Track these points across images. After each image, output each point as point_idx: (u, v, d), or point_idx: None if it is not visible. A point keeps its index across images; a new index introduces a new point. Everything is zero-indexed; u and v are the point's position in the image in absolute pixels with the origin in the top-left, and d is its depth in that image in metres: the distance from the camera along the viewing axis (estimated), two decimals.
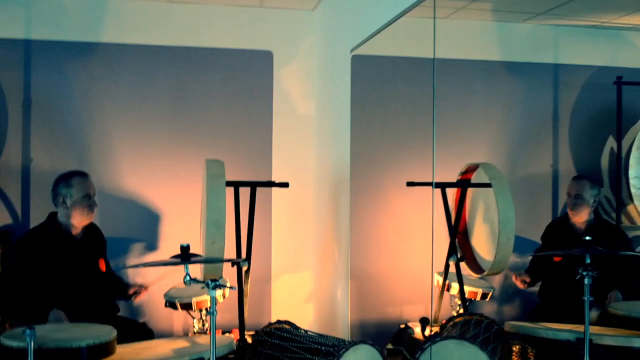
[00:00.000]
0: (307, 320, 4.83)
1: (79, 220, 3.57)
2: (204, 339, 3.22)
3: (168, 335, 4.46)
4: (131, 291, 3.91)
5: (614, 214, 5.14)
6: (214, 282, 2.66)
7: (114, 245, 4.32)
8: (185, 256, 2.77)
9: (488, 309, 5.01)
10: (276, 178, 4.78)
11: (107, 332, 2.87)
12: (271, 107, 4.80)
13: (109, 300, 3.74)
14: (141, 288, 3.96)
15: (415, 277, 4.79)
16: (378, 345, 4.30)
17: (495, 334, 3.23)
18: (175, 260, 2.76)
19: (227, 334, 3.86)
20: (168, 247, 4.61)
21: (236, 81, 4.76)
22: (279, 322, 3.28)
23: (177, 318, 4.63)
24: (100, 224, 4.50)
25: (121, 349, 3.03)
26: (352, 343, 2.92)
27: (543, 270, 4.22)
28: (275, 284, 4.83)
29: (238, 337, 3.66)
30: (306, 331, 3.26)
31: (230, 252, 3.80)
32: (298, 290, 4.86)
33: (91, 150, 4.54)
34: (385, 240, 4.91)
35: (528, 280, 3.90)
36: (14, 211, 4.43)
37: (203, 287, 2.67)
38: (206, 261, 2.84)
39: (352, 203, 4.86)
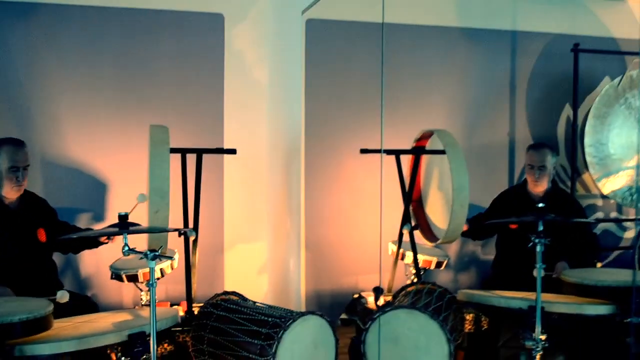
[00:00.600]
0: (261, 291, 4.73)
1: (7, 192, 3.39)
2: (147, 312, 3.10)
3: (116, 308, 4.32)
4: (104, 237, 3.67)
5: (569, 183, 5.15)
6: (152, 253, 2.54)
7: (60, 216, 4.15)
8: (123, 225, 2.63)
9: (444, 277, 5.00)
10: (228, 145, 4.63)
11: (43, 306, 2.73)
12: (222, 72, 4.63)
13: (51, 274, 3.58)
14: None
15: (370, 247, 4.74)
16: (332, 315, 4.28)
17: (447, 303, 3.18)
18: (112, 230, 2.63)
19: (175, 307, 3.75)
20: (115, 217, 4.44)
21: (186, 45, 4.57)
22: (225, 293, 3.18)
23: (127, 290, 4.49)
24: (44, 193, 4.31)
25: (59, 324, 2.90)
26: (300, 314, 2.84)
27: (480, 233, 4.20)
28: (228, 255, 4.71)
29: (186, 309, 3.54)
30: (254, 303, 3.17)
31: (177, 222, 3.67)
32: (251, 261, 4.75)
33: (33, 116, 4.33)
34: (340, 209, 4.84)
35: (465, 228, 3.84)
36: None
37: (141, 258, 2.54)
38: (147, 231, 2.70)
39: (306, 171, 4.77)
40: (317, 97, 4.76)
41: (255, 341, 2.77)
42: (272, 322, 2.79)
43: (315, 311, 2.96)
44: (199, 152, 3.48)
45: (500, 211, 4.16)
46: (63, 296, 3.03)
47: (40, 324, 2.68)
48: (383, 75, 4.02)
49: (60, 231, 3.57)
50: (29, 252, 3.42)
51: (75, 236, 2.69)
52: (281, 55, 4.69)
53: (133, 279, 3.74)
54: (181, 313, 3.56)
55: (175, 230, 3.06)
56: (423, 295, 3.24)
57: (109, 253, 3.89)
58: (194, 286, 3.73)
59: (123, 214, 2.67)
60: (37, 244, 3.49)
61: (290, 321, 2.77)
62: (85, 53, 4.39)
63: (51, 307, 2.76)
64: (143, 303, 3.85)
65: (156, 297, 3.88)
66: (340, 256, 4.87)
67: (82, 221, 4.42)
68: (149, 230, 2.77)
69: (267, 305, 3.14)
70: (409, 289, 3.41)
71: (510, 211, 4.02)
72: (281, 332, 2.73)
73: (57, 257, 3.83)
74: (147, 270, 3.67)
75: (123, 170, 4.46)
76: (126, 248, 2.63)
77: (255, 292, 4.71)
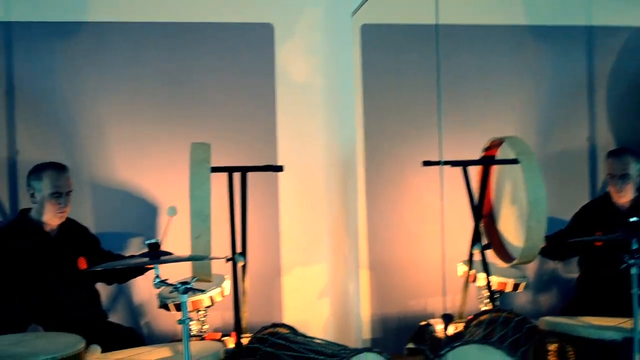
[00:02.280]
0: (322, 317, 4.42)
1: (49, 218, 3.20)
2: (194, 347, 2.83)
3: (170, 337, 4.08)
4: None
5: None
6: (184, 286, 2.25)
7: (110, 241, 3.97)
8: (153, 255, 2.37)
9: (522, 300, 4.54)
10: (282, 162, 4.36)
11: (71, 344, 2.50)
12: (274, 84, 4.37)
13: (93, 305, 3.37)
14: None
15: (439, 266, 4.34)
16: (400, 342, 3.92)
17: (526, 334, 2.77)
18: (143, 260, 2.37)
19: (225, 338, 3.47)
20: (167, 241, 4.23)
21: (234, 58, 4.34)
22: (274, 325, 2.88)
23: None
24: (94, 218, 4.17)
25: None
26: (354, 352, 2.50)
27: (563, 252, 3.75)
28: (286, 278, 4.41)
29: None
30: (305, 337, 2.85)
31: (225, 247, 3.41)
32: (311, 285, 4.44)
33: (80, 138, 4.18)
34: (405, 227, 4.48)
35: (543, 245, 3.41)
36: (1, 207, 4.10)
37: (172, 291, 2.27)
38: (179, 260, 2.43)
39: (367, 186, 4.44)
40: (376, 107, 4.43)
41: None
42: None
43: (372, 348, 2.61)
44: (243, 171, 3.20)
45: (583, 227, 3.72)
46: (94, 351, 2.81)
47: None
48: (439, 81, 3.65)
49: (103, 260, 3.37)
50: (68, 281, 3.22)
51: (99, 268, 2.44)
52: (336, 64, 4.39)
53: (179, 307, 3.50)
54: (232, 345, 3.28)
55: (212, 257, 2.77)
56: (498, 325, 2.84)
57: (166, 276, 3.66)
58: (245, 314, 3.45)
59: (153, 242, 2.41)
60: (78, 274, 3.28)
61: None
62: (130, 71, 4.22)
63: (81, 345, 2.54)
64: (192, 334, 3.60)
65: (209, 325, 3.67)
66: (407, 277, 4.50)
67: (134, 246, 4.23)
68: (182, 259, 2.50)
69: (320, 340, 2.82)
70: (482, 317, 3.02)
71: (594, 226, 3.59)
72: None
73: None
74: (196, 298, 3.45)
75: (173, 191, 4.24)
76: (157, 280, 2.37)
77: (316, 319, 4.42)
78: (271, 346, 2.71)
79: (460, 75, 4.52)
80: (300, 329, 4.36)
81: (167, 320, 4.14)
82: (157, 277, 2.37)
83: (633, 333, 2.58)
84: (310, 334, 4.39)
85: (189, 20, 4.27)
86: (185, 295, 2.27)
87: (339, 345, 2.70)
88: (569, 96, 4.63)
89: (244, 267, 3.32)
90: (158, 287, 2.38)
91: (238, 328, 3.18)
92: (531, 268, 4.53)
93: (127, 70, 4.22)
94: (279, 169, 3.22)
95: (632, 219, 2.75)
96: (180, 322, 2.28)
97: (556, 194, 4.50)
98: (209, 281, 3.19)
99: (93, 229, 4.09)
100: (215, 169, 3.17)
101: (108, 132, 4.20)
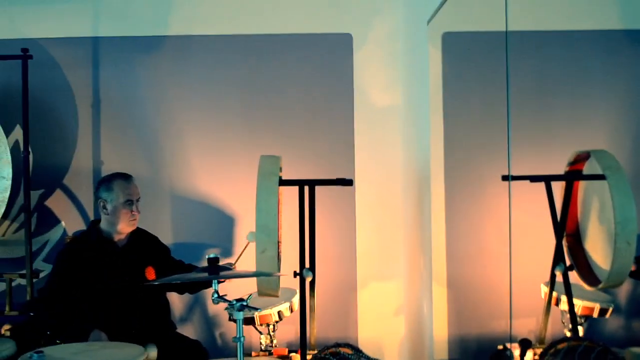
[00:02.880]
0: (398, 335, 4.30)
1: (121, 227, 3.26)
2: None
3: (245, 350, 4.05)
4: None
5: None
6: (239, 303, 2.21)
7: (188, 252, 4.03)
8: (213, 270, 2.34)
9: (613, 326, 4.22)
10: (359, 176, 4.29)
11: (133, 355, 2.51)
12: (352, 96, 4.30)
13: (162, 315, 3.39)
14: (230, 266, 3.57)
15: (523, 286, 4.12)
16: None
17: None
18: (201, 275, 2.35)
19: (293, 354, 3.41)
20: (246, 258, 4.24)
21: (313, 69, 4.30)
22: (337, 345, 2.79)
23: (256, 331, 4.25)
24: (173, 228, 4.25)
25: None
26: None
27: None
28: (361, 294, 4.32)
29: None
30: (368, 357, 2.74)
31: (294, 261, 3.36)
32: (387, 301, 4.33)
33: (161, 150, 4.27)
34: (486, 244, 4.27)
35: (632, 268, 3.13)
36: (87, 216, 4.24)
37: (227, 309, 2.23)
38: (238, 276, 2.39)
39: (447, 200, 4.26)
40: (457, 118, 4.26)
41: None
42: None
43: None
44: (312, 184, 3.13)
45: None
46: (151, 351, 2.82)
47: None
48: (509, 90, 3.46)
49: (173, 270, 3.39)
50: (136, 291, 3.25)
51: (156, 282, 2.43)
52: (413, 75, 4.27)
53: (250, 322, 3.48)
54: None
55: (263, 274, 2.72)
56: (576, 356, 2.63)
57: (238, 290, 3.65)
58: (314, 331, 3.39)
59: (212, 256, 2.39)
60: (142, 284, 3.31)
61: None
62: (210, 84, 4.27)
63: (142, 358, 2.54)
64: (262, 348, 3.57)
65: (278, 340, 3.63)
66: (489, 297, 4.28)
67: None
68: (241, 275, 2.46)
69: None
70: (560, 345, 2.81)
71: None
72: None
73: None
74: (265, 313, 3.42)
75: (249, 203, 4.22)
76: (215, 296, 2.34)
77: (391, 337, 4.30)
78: None
79: (547, 84, 4.28)
80: (375, 346, 4.29)
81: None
82: (216, 292, 2.34)
83: None
84: (385, 352, 4.31)
85: (267, 32, 4.28)
86: (241, 313, 2.23)
87: None
88: None
89: (312, 282, 3.25)
90: (216, 303, 2.35)
91: (303, 345, 3.11)
92: (624, 291, 4.21)
93: (207, 82, 4.27)
94: (349, 182, 3.13)
95: None
96: (235, 339, 2.24)
97: None
98: (276, 296, 3.15)
99: (171, 239, 4.18)
100: (284, 182, 3.13)
101: (188, 143, 4.26)
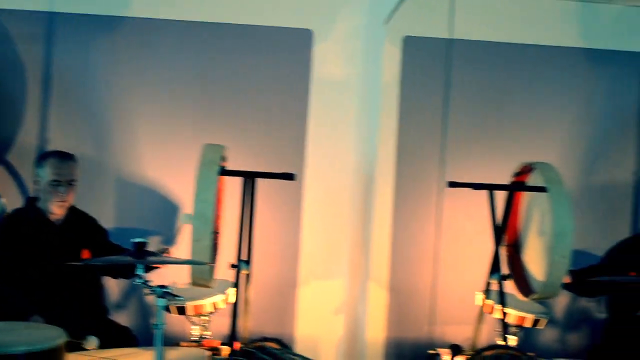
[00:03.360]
0: (336, 334, 4.28)
1: (50, 207, 3.18)
2: (177, 354, 2.75)
3: (180, 340, 3.99)
4: None
5: None
6: (161, 289, 2.17)
7: (129, 237, 3.93)
8: (138, 255, 2.30)
9: (548, 338, 4.28)
10: (310, 172, 4.27)
11: (51, 337, 2.45)
12: (308, 92, 4.27)
13: (95, 298, 3.33)
14: (165, 250, 3.51)
15: (461, 293, 4.15)
16: None
17: None
18: (126, 258, 2.30)
19: (224, 346, 3.38)
20: (184, 243, 4.18)
21: (271, 62, 4.26)
22: (264, 339, 2.76)
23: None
24: (116, 212, 4.17)
25: (75, 357, 2.61)
26: None
27: (591, 290, 3.50)
28: (302, 291, 4.29)
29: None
30: (294, 355, 2.73)
31: (230, 253, 3.33)
32: (327, 300, 4.31)
33: (111, 132, 4.18)
34: (430, 249, 4.29)
35: (566, 280, 3.17)
36: (28, 193, 4.13)
37: (148, 294, 2.19)
38: (163, 262, 2.35)
39: (396, 204, 4.27)
40: (413, 122, 4.27)
41: None
42: None
43: None
44: (252, 176, 3.10)
45: (616, 265, 3.46)
46: (91, 343, 2.76)
47: (45, 358, 2.39)
48: (448, 99, 3.48)
49: (109, 253, 3.33)
50: (70, 273, 3.17)
51: (80, 264, 2.39)
52: (373, 76, 4.25)
53: (182, 311, 3.43)
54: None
55: (193, 262, 2.67)
56: None
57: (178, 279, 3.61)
58: (248, 324, 3.36)
59: (139, 240, 2.34)
60: (82, 266, 3.24)
61: None
62: (167, 69, 4.20)
63: (61, 340, 2.48)
64: (194, 339, 3.52)
65: (211, 332, 3.59)
66: (428, 301, 4.30)
67: (152, 243, 4.17)
68: (168, 262, 2.42)
69: (304, 358, 2.69)
70: (487, 353, 2.82)
71: (629, 266, 3.33)
72: None
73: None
74: (198, 303, 3.37)
75: None
76: (139, 279, 2.30)
77: (329, 336, 4.29)
78: None
79: (503, 95, 4.32)
80: (312, 345, 4.27)
81: (179, 322, 4.07)
82: (139, 277, 2.30)
83: None
84: (321, 351, 4.29)
85: (228, 21, 4.22)
86: (163, 300, 2.18)
87: None
88: (618, 125, 4.37)
89: (248, 275, 3.22)
90: (140, 288, 2.30)
91: (233, 337, 3.08)
92: (561, 304, 4.28)
93: (164, 67, 4.20)
94: (291, 177, 3.11)
95: None
96: (155, 326, 2.19)
97: (595, 227, 4.25)
98: (209, 287, 3.11)
99: (114, 223, 4.10)
100: (224, 172, 3.09)
101: (138, 128, 4.19)
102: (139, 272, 2.29)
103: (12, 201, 4.07)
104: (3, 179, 4.13)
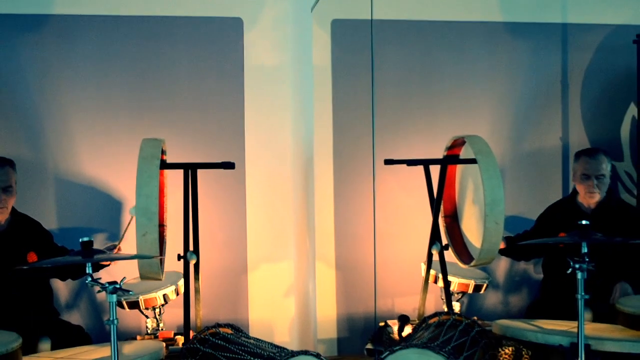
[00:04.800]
0: (288, 315, 4.37)
1: None
2: (133, 347, 2.79)
3: (132, 335, 4.01)
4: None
5: (635, 191, 4.55)
6: (112, 286, 2.21)
7: (74, 237, 3.89)
8: (86, 253, 2.32)
9: (492, 300, 4.48)
10: (250, 159, 4.32)
11: (5, 342, 2.46)
12: (242, 80, 4.31)
13: (44, 301, 3.32)
14: (114, 247, 3.51)
15: (405, 266, 4.30)
16: (363, 343, 3.85)
17: (473, 339, 2.72)
18: (75, 258, 2.32)
19: (179, 337, 3.42)
20: (133, 238, 4.18)
21: (203, 53, 4.27)
22: (217, 325, 2.82)
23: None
24: (58, 212, 4.13)
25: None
26: (290, 354, 2.44)
27: (526, 253, 3.71)
28: (252, 276, 4.36)
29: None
30: (247, 337, 2.80)
31: (178, 245, 3.36)
32: (277, 283, 4.38)
33: (45, 132, 4.12)
34: (371, 226, 4.41)
35: (501, 246, 3.34)
36: None
37: (99, 291, 2.22)
38: (112, 259, 2.38)
39: (335, 184, 4.38)
40: (346, 104, 4.36)
41: None
42: None
43: (309, 350, 2.56)
44: (192, 167, 3.14)
45: (547, 227, 3.66)
46: (44, 345, 2.76)
47: None
48: (373, 77, 3.59)
49: (56, 255, 3.31)
50: (18, 277, 3.16)
51: (25, 267, 2.40)
52: (305, 60, 4.32)
53: (134, 305, 3.46)
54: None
55: (144, 256, 2.71)
56: (445, 329, 2.79)
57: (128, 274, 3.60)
58: (200, 313, 3.40)
59: (86, 240, 2.36)
60: (30, 270, 3.22)
61: None
62: (98, 65, 4.15)
63: (16, 344, 2.49)
64: (149, 332, 3.56)
65: (163, 324, 3.63)
66: (374, 276, 4.43)
67: (98, 241, 4.17)
68: (117, 258, 2.45)
69: (261, 341, 2.77)
70: (431, 320, 2.96)
71: (558, 227, 3.53)
72: None
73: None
74: (149, 296, 3.41)
75: None
76: (88, 279, 2.32)
77: (281, 318, 4.38)
78: (211, 347, 2.66)
79: (433, 72, 4.45)
80: (266, 327, 4.36)
81: (133, 317, 4.09)
82: (89, 275, 2.32)
83: (578, 339, 2.52)
84: (275, 332, 4.38)
85: (157, 14, 4.21)
86: (114, 296, 2.22)
87: (277, 347, 2.65)
88: (543, 94, 4.56)
89: (196, 265, 3.26)
90: (90, 287, 2.33)
91: (187, 327, 3.13)
92: (502, 268, 4.48)
93: (94, 63, 4.16)
94: (231, 166, 3.16)
95: (582, 222, 2.69)
96: (108, 322, 2.23)
97: (528, 193, 4.45)
98: (159, 279, 3.15)
99: (57, 224, 4.07)
100: (165, 165, 3.12)
101: (74, 126, 4.14)
102: (89, 270, 2.31)
103: None
104: None
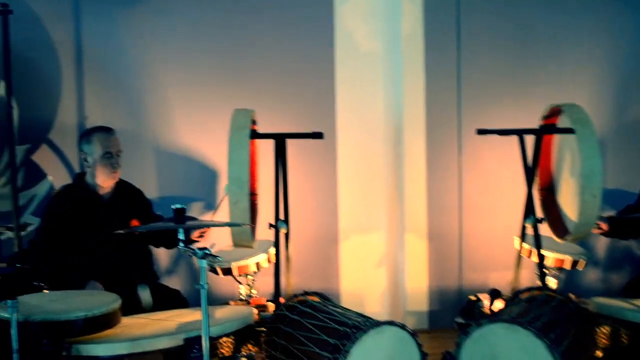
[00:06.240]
0: (379, 286, 4.37)
1: (102, 180, 3.31)
2: (224, 311, 2.88)
3: (227, 300, 4.13)
4: (196, 234, 3.32)
5: None
6: (202, 251, 2.28)
7: (173, 204, 4.08)
8: (179, 219, 2.41)
9: (591, 278, 4.30)
10: (341, 128, 4.31)
11: (106, 302, 2.60)
12: (333, 50, 4.29)
13: (145, 265, 3.47)
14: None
15: (501, 239, 4.18)
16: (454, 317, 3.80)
17: (567, 316, 2.62)
18: (168, 224, 2.41)
19: (270, 303, 3.50)
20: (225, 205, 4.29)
21: (294, 23, 4.29)
22: (305, 293, 2.87)
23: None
24: (157, 181, 4.29)
25: (129, 321, 2.78)
26: (374, 324, 2.45)
27: (631, 230, 3.47)
28: (343, 245, 4.38)
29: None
30: (335, 305, 2.83)
31: (271, 213, 3.42)
32: (368, 253, 4.38)
33: (145, 104, 4.29)
34: (466, 196, 4.32)
35: (604, 228, 3.17)
36: (73, 170, 4.29)
37: (190, 255, 2.30)
38: (204, 225, 2.46)
39: (428, 153, 4.29)
40: (438, 73, 4.26)
41: (324, 352, 2.44)
42: (343, 332, 2.44)
43: (395, 321, 2.55)
44: (281, 137, 3.17)
45: None
46: (144, 293, 2.89)
47: (102, 322, 2.57)
48: (460, 43, 3.45)
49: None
50: (121, 242, 3.32)
51: (123, 232, 2.51)
52: (397, 27, 4.24)
53: (228, 272, 3.57)
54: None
55: (234, 224, 2.76)
56: (536, 305, 2.70)
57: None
58: (291, 281, 3.47)
59: (178, 207, 2.45)
60: (131, 236, 3.38)
61: (361, 332, 2.39)
62: (192, 37, 4.26)
63: (116, 304, 2.64)
64: (242, 298, 3.66)
65: (257, 291, 3.72)
66: (468, 249, 4.35)
67: (195, 210, 4.31)
68: (207, 225, 2.52)
69: (348, 310, 2.79)
70: (523, 295, 2.88)
71: None
72: (349, 344, 2.37)
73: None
74: (242, 263, 3.50)
75: None
76: (182, 245, 2.41)
77: (373, 288, 4.38)
78: (299, 314, 2.71)
79: (529, 37, 4.27)
80: (357, 298, 4.37)
81: (227, 283, 4.21)
82: (182, 241, 2.41)
83: None
84: (366, 303, 4.39)
85: None
86: (204, 261, 2.30)
87: (363, 316, 2.66)
88: None
89: (287, 234, 3.32)
90: (182, 252, 2.41)
91: (277, 294, 3.19)
92: (602, 244, 4.28)
93: (189, 37, 4.26)
94: (320, 135, 3.17)
95: None
96: (199, 286, 2.31)
97: (631, 165, 4.21)
98: (250, 247, 3.22)
99: (156, 193, 4.23)
100: (255, 135, 3.17)
101: (171, 97, 4.27)
102: (181, 236, 2.39)
103: (59, 178, 4.26)
104: (48, 158, 4.29)
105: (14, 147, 3.98)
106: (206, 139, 4.27)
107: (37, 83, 4.23)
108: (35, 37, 4.19)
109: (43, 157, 4.28)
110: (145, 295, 3.03)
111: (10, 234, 4.03)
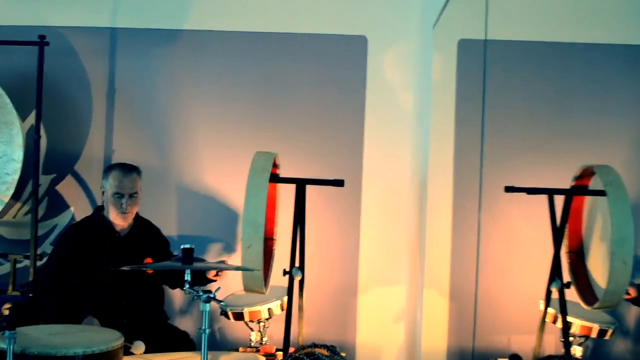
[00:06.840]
0: (396, 342, 4.23)
1: (113, 218, 3.27)
2: (229, 358, 2.78)
3: (236, 345, 4.03)
4: (212, 273, 3.26)
5: None
6: (206, 295, 2.20)
7: (192, 244, 4.03)
8: (187, 260, 2.34)
9: (620, 349, 4.09)
10: (367, 177, 4.25)
11: (107, 340, 2.52)
12: (364, 99, 4.26)
13: (156, 305, 3.40)
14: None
15: (525, 301, 4.02)
16: None
17: None
18: (175, 263, 2.35)
19: (279, 353, 3.39)
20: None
21: (326, 70, 4.28)
22: (314, 345, 2.76)
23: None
24: (178, 220, 4.26)
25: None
26: None
27: None
28: (362, 298, 4.26)
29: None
30: (342, 359, 2.71)
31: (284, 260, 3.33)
32: (388, 307, 4.26)
33: (172, 142, 4.30)
34: (491, 255, 4.18)
35: (632, 294, 3.02)
36: (95, 203, 4.29)
37: (194, 298, 2.23)
38: (211, 268, 2.39)
39: (455, 209, 4.18)
40: (469, 126, 4.18)
41: None
42: None
43: None
44: (302, 183, 3.11)
45: None
46: (138, 347, 2.81)
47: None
48: (485, 99, 3.38)
49: None
50: (133, 280, 3.26)
51: (126, 268, 2.45)
52: (429, 81, 4.20)
53: (239, 317, 3.47)
54: None
55: (242, 268, 2.69)
56: None
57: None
58: (303, 330, 3.35)
59: (187, 247, 2.38)
60: (143, 274, 3.32)
61: None
62: (223, 79, 4.29)
63: (118, 342, 2.56)
64: (252, 344, 3.56)
65: (267, 338, 3.61)
66: (491, 310, 4.19)
67: (214, 251, 4.27)
68: (216, 267, 2.45)
69: None
70: None
71: None
72: None
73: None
74: (255, 309, 3.41)
75: None
76: (187, 286, 2.34)
77: (390, 343, 4.24)
78: None
79: (566, 96, 4.18)
80: (373, 352, 4.24)
81: (239, 328, 4.11)
82: (186, 282, 2.34)
83: None
84: (383, 359, 4.25)
85: (282, 31, 4.27)
86: (207, 305, 2.22)
87: None
88: None
89: (301, 281, 3.22)
90: (187, 293, 2.34)
91: (286, 344, 3.08)
92: (633, 314, 4.08)
93: (219, 78, 4.29)
94: (340, 183, 3.10)
95: None
96: (201, 331, 2.23)
97: None
98: (262, 293, 3.13)
99: (175, 231, 4.20)
100: (275, 179, 3.12)
101: (198, 137, 4.28)
102: (187, 277, 2.32)
103: (81, 210, 4.27)
104: (72, 189, 4.30)
105: (38, 175, 4.01)
106: (230, 180, 4.24)
107: (68, 115, 4.28)
108: (70, 70, 4.26)
109: (67, 188, 4.30)
110: (139, 347, 2.92)
111: (27, 262, 4.02)
